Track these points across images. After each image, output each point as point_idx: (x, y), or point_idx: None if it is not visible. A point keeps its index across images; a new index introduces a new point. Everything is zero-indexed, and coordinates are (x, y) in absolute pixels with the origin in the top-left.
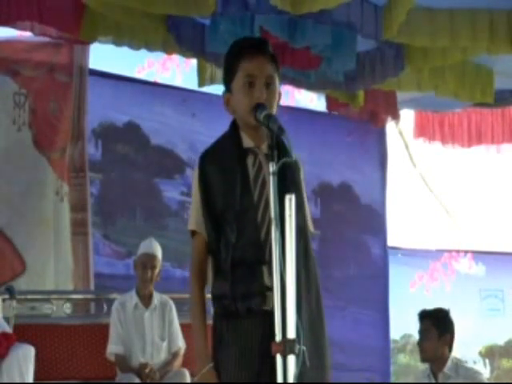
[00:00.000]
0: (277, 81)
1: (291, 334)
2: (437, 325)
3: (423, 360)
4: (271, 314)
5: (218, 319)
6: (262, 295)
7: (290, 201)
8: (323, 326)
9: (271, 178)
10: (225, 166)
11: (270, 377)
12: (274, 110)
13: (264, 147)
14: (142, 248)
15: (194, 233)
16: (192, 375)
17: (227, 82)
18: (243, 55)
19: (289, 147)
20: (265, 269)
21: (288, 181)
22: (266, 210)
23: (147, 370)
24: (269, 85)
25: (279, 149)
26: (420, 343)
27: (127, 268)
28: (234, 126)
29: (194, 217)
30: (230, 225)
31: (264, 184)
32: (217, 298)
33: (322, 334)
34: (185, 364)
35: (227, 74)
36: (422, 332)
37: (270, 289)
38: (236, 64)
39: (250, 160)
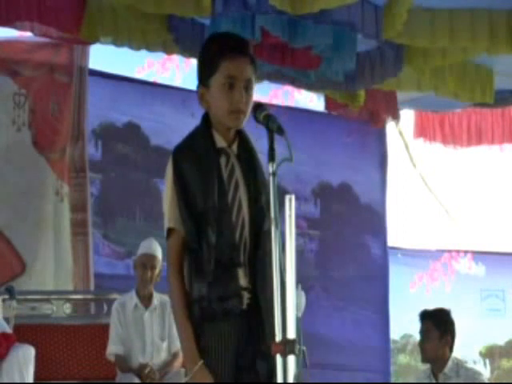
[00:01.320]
0: (254, 83)
1: (291, 333)
2: (438, 325)
3: (424, 360)
4: (247, 312)
5: (195, 322)
6: (238, 296)
7: (290, 201)
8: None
9: (271, 178)
10: (201, 165)
11: (248, 375)
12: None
13: (234, 147)
14: (142, 248)
15: (171, 230)
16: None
17: (204, 77)
18: (225, 54)
19: (289, 147)
20: (240, 271)
21: (259, 183)
22: (239, 213)
23: (147, 371)
24: (247, 88)
25: (247, 149)
26: (421, 343)
27: (127, 268)
28: (206, 122)
29: (172, 215)
30: (211, 226)
31: (237, 186)
32: (196, 299)
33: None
34: (185, 364)
35: (205, 69)
36: (422, 332)
37: (245, 289)
38: (216, 62)
39: (222, 161)
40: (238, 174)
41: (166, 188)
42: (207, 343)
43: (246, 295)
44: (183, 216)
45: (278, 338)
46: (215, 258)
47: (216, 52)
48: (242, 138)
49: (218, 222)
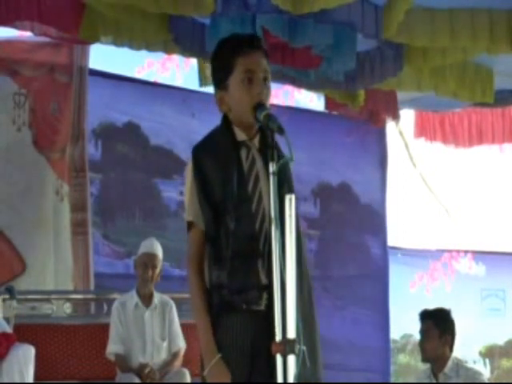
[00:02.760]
0: (270, 76)
1: (291, 333)
2: (438, 325)
3: (424, 360)
4: (264, 313)
5: (213, 313)
6: (258, 291)
7: (290, 201)
8: (315, 324)
9: (271, 177)
10: (220, 157)
11: (262, 376)
12: (268, 105)
13: (256, 141)
14: (143, 247)
15: (191, 224)
16: (192, 375)
17: (221, 79)
18: (239, 51)
19: (289, 147)
20: (260, 263)
21: (282, 181)
22: (260, 203)
23: (147, 371)
24: (265, 79)
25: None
26: (421, 343)
27: (127, 268)
28: (226, 120)
29: (191, 208)
30: (230, 214)
31: (257, 178)
32: (215, 286)
33: (315, 333)
34: (185, 364)
35: (221, 71)
36: (423, 332)
37: (265, 287)
38: (232, 61)
39: (243, 153)
40: (259, 166)
41: (186, 184)
42: (222, 341)
43: (264, 295)
44: (202, 205)
45: (278, 337)
46: (235, 247)
47: (230, 52)
48: (263, 132)
49: (237, 210)
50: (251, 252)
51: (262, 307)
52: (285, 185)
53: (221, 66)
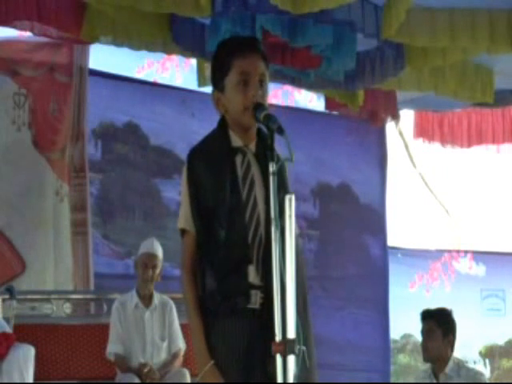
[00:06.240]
0: (268, 79)
1: (291, 333)
2: (441, 324)
3: (426, 360)
4: (257, 312)
5: (206, 318)
6: (246, 294)
7: (290, 201)
8: (310, 325)
9: (271, 177)
10: (214, 164)
11: (259, 376)
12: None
13: (252, 146)
14: (143, 247)
15: (183, 231)
16: (192, 375)
17: (218, 80)
18: (236, 53)
19: (288, 147)
20: (251, 269)
21: (278, 183)
22: (254, 210)
23: (146, 370)
24: (262, 82)
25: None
26: (424, 343)
27: (127, 268)
28: (223, 123)
29: (183, 215)
30: (220, 222)
31: (252, 183)
32: (208, 292)
33: (309, 333)
34: (185, 364)
35: (218, 72)
36: (425, 332)
37: (255, 287)
38: (229, 62)
39: (238, 159)
40: (254, 171)
41: (182, 189)
42: (213, 343)
43: (258, 294)
44: (193, 214)
45: (278, 337)
46: (225, 254)
47: (227, 53)
48: (261, 136)
49: (230, 219)
50: (242, 259)
51: (254, 305)
52: (280, 187)
53: (218, 66)
